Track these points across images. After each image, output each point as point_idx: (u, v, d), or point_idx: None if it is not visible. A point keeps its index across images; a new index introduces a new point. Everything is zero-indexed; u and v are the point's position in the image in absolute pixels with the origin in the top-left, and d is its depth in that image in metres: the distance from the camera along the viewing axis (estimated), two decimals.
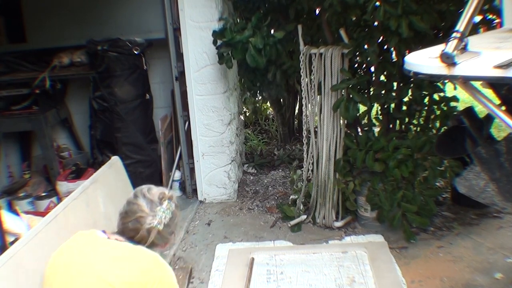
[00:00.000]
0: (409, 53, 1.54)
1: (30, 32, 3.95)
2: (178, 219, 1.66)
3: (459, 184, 1.85)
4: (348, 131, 3.19)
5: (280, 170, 4.38)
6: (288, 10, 3.47)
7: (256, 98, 5.48)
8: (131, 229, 1.57)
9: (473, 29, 2.46)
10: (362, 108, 3.17)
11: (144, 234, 1.56)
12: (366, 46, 2.92)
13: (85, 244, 1.56)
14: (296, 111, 5.18)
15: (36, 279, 1.80)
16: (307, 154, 3.32)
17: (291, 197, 3.53)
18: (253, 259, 2.77)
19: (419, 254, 2.79)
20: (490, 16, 2.83)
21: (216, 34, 3.29)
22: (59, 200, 2.74)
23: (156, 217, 1.57)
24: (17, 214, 2.44)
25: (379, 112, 3.25)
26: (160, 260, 1.53)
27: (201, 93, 3.56)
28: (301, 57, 3.17)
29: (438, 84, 3.02)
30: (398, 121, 3.26)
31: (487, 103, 1.24)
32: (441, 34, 2.95)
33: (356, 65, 3.23)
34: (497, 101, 1.64)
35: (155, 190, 1.64)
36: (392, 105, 3.19)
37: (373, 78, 3.18)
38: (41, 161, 3.99)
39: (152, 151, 3.88)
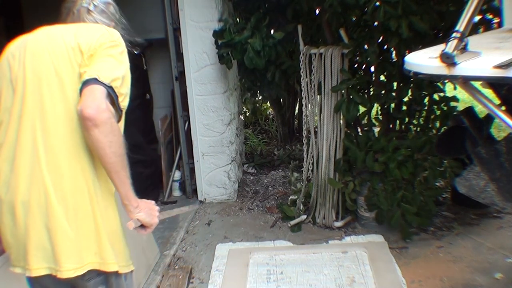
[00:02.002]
0: (409, 53, 1.53)
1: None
2: (115, 9, 1.60)
3: (459, 184, 1.85)
4: (348, 131, 3.19)
5: (280, 170, 4.38)
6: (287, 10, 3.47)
7: (256, 98, 5.48)
8: (65, 15, 1.53)
9: (473, 29, 2.46)
10: (362, 108, 3.17)
11: (75, 13, 1.51)
12: (366, 46, 2.92)
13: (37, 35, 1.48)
14: (296, 111, 5.18)
15: None
16: (307, 154, 3.32)
17: (290, 197, 3.53)
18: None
19: (419, 254, 2.79)
20: (490, 16, 2.83)
21: (215, 35, 3.30)
22: None
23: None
24: None
25: (379, 112, 3.25)
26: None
27: (201, 93, 3.56)
28: (301, 57, 3.17)
29: (438, 84, 3.02)
30: (398, 121, 3.26)
31: (487, 103, 1.24)
32: (441, 34, 2.95)
33: (356, 65, 3.23)
34: (497, 101, 1.64)
35: None
36: (392, 105, 3.19)
37: (373, 78, 3.18)
38: None
39: (152, 151, 3.87)
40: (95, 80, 1.27)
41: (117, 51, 1.39)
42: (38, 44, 1.40)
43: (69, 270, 1.31)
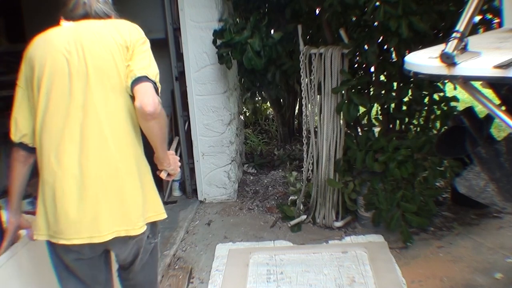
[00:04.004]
0: (409, 53, 1.53)
1: (30, 32, 3.94)
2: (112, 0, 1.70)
3: (459, 184, 1.85)
4: (348, 131, 3.19)
5: (280, 170, 4.38)
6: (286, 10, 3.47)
7: (256, 98, 5.48)
8: (73, 6, 1.60)
9: (473, 29, 2.46)
10: (362, 109, 3.17)
11: (86, 3, 1.60)
12: (366, 46, 2.92)
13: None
14: (296, 111, 5.18)
15: (36, 279, 1.81)
16: (307, 154, 3.32)
17: (290, 198, 3.53)
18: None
19: (419, 254, 2.79)
20: (490, 16, 2.83)
21: (216, 34, 3.30)
22: None
23: None
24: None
25: (379, 112, 3.25)
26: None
27: (201, 93, 3.56)
28: (301, 57, 3.17)
29: (438, 84, 3.02)
30: (398, 121, 3.26)
31: (487, 103, 1.23)
32: (441, 34, 2.95)
33: (356, 65, 3.23)
34: (497, 101, 1.64)
35: None
36: (392, 105, 3.19)
37: (373, 78, 3.18)
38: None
39: (152, 151, 3.86)
40: (146, 78, 1.48)
41: (147, 46, 1.59)
42: (94, 43, 1.53)
43: (140, 227, 1.53)
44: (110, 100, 1.51)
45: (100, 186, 1.48)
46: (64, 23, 1.59)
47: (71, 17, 1.59)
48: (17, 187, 1.63)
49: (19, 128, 1.57)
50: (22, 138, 1.57)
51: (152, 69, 1.53)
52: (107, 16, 1.62)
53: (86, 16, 1.59)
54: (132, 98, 1.51)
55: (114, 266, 1.73)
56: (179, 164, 1.76)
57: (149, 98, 1.45)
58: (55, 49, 1.52)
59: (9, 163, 1.64)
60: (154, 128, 1.51)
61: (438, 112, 3.07)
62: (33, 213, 2.12)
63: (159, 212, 1.64)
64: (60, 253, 1.56)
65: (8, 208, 1.67)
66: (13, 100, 1.59)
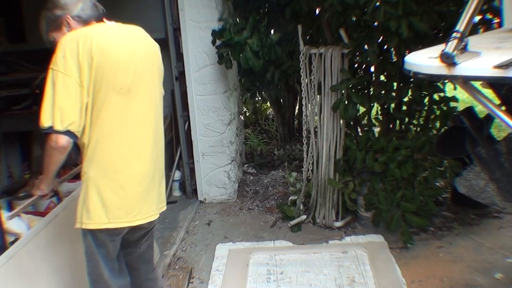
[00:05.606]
0: (409, 53, 1.54)
1: (30, 32, 3.95)
2: None
3: (459, 184, 1.85)
4: (348, 131, 3.19)
5: (280, 170, 4.38)
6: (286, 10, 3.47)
7: (256, 98, 5.48)
8: (91, 10, 1.77)
9: (473, 29, 2.46)
10: (362, 108, 3.18)
11: (97, 7, 1.81)
12: (366, 46, 2.92)
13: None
14: (296, 111, 5.18)
15: (36, 279, 1.81)
16: (307, 154, 3.32)
17: (290, 198, 3.53)
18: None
19: (419, 254, 2.79)
20: (490, 16, 2.83)
21: (215, 34, 3.30)
22: (59, 200, 2.74)
23: None
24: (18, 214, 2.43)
25: (379, 112, 3.25)
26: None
27: (201, 93, 3.56)
28: (301, 57, 3.17)
29: (438, 84, 3.02)
30: (398, 121, 3.26)
31: (487, 103, 1.23)
32: (441, 35, 2.95)
33: (356, 65, 3.23)
34: (497, 101, 1.64)
35: None
36: (392, 105, 3.19)
37: (373, 78, 3.18)
38: (41, 161, 3.98)
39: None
40: None
41: None
42: (146, 48, 1.77)
43: (164, 208, 1.92)
44: (157, 102, 1.83)
45: (158, 175, 1.84)
46: (108, 22, 1.77)
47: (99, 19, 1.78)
48: (53, 172, 1.75)
49: (67, 115, 1.57)
50: (70, 126, 1.58)
51: None
52: None
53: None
54: None
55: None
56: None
57: None
58: (120, 43, 1.67)
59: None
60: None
61: (438, 112, 3.06)
62: (33, 213, 2.12)
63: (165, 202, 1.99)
64: (110, 238, 1.73)
65: (42, 184, 1.81)
66: (54, 88, 1.58)
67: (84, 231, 1.70)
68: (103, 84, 1.60)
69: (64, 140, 1.58)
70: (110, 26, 1.75)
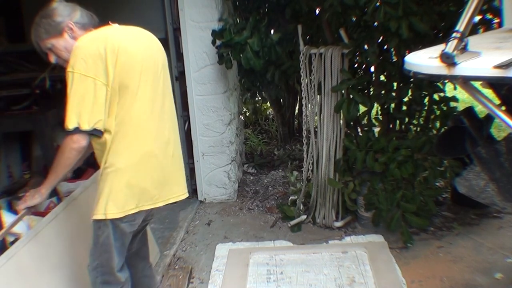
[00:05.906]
0: (409, 53, 1.54)
1: (30, 32, 3.95)
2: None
3: (459, 184, 1.85)
4: (348, 131, 3.19)
5: (280, 170, 4.38)
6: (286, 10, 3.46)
7: (256, 98, 5.48)
8: (94, 20, 1.86)
9: (473, 29, 2.46)
10: (362, 108, 3.17)
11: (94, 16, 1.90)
12: (366, 47, 2.92)
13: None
14: (296, 111, 5.18)
15: (36, 279, 1.81)
16: (307, 154, 3.32)
17: (290, 198, 3.53)
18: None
19: (419, 254, 2.79)
20: (490, 16, 2.83)
21: (215, 34, 3.30)
22: (59, 200, 2.74)
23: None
24: (17, 214, 2.44)
25: (379, 112, 3.25)
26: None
27: (201, 93, 3.56)
28: (301, 57, 3.17)
29: (438, 84, 3.02)
30: (398, 121, 3.26)
31: (487, 103, 1.24)
32: (441, 35, 2.95)
33: (356, 65, 3.23)
34: (497, 101, 1.64)
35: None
36: (392, 105, 3.19)
37: (373, 78, 3.18)
38: (41, 161, 3.99)
39: None
40: None
41: None
42: (156, 45, 1.87)
43: (185, 195, 1.96)
44: (168, 96, 1.90)
45: (175, 162, 1.89)
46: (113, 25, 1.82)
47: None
48: (63, 174, 1.75)
49: (93, 115, 1.62)
50: (96, 124, 1.63)
51: None
52: None
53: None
54: None
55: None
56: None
57: None
58: (135, 41, 1.76)
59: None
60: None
61: (438, 112, 3.06)
62: (33, 213, 2.12)
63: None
64: (130, 228, 1.79)
65: (45, 186, 1.78)
66: (76, 90, 1.64)
67: (103, 223, 1.73)
68: (128, 80, 1.68)
69: (85, 141, 1.64)
70: (119, 27, 1.81)
